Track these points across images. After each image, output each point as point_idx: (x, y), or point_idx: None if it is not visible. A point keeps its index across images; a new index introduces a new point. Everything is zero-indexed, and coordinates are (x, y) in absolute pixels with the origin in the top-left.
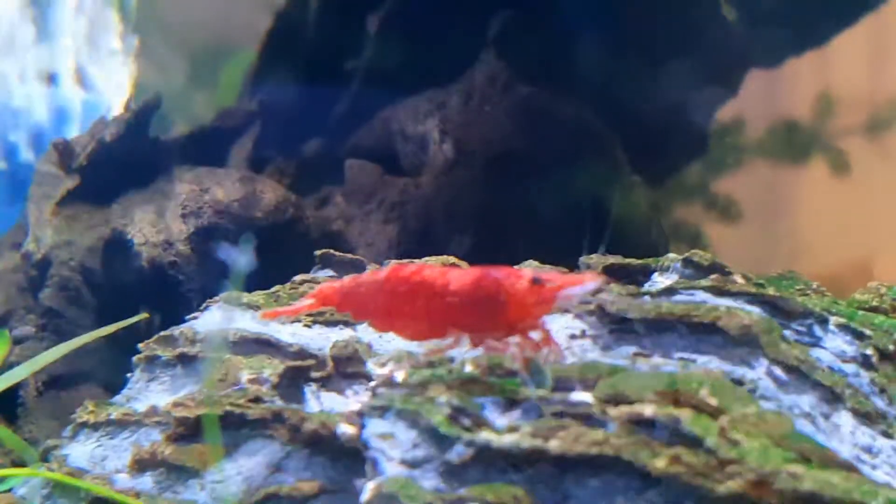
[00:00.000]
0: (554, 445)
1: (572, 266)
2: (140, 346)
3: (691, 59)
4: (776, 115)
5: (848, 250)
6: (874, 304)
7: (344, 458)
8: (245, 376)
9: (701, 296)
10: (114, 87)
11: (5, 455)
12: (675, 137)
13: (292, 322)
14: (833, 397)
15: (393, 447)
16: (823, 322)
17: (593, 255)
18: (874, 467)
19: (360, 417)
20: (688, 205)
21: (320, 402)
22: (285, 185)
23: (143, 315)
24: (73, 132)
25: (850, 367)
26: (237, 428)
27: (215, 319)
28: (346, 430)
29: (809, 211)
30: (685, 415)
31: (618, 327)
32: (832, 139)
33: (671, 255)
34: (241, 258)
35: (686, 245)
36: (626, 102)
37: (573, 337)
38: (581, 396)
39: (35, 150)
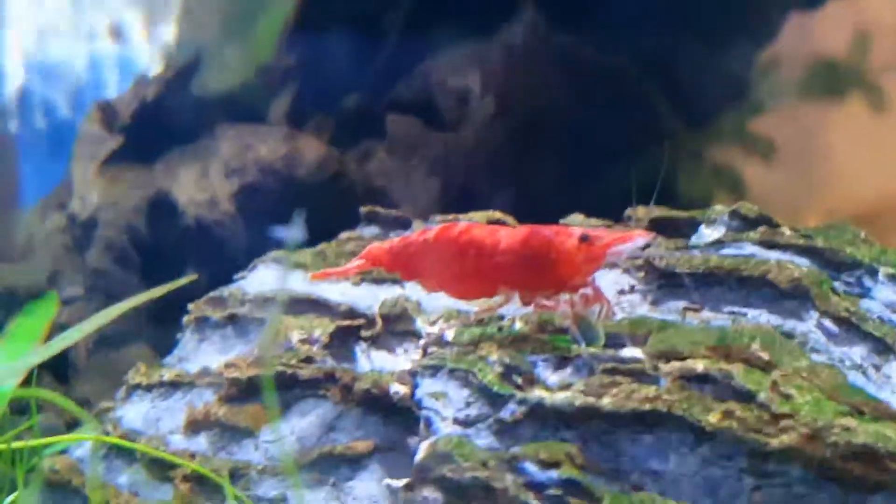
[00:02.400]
0: (606, 402)
1: (618, 217)
2: (190, 306)
3: (731, 4)
4: (813, 55)
5: (888, 187)
6: None
7: (397, 417)
8: (295, 336)
9: (749, 248)
10: (151, 42)
11: (59, 416)
12: (715, 82)
13: (341, 281)
14: (884, 348)
15: (446, 406)
16: (873, 273)
17: (639, 207)
18: None
19: (412, 377)
20: (726, 148)
21: (371, 361)
22: (325, 140)
23: (193, 276)
24: (111, 89)
25: None
26: (289, 388)
27: (263, 279)
28: (399, 389)
29: (848, 150)
30: (737, 369)
31: (666, 282)
32: (869, 77)
33: (718, 208)
34: (293, 233)
35: (726, 190)
36: (665, 49)
37: (622, 292)
38: (632, 353)
39: (73, 108)
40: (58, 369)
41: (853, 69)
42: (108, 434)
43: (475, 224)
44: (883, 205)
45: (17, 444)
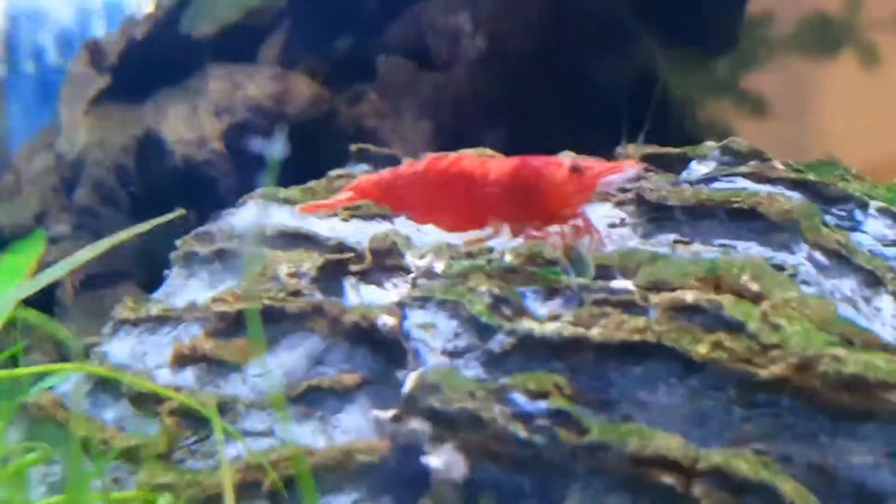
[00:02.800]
0: (595, 333)
1: (609, 156)
2: (177, 242)
3: None
4: (806, 8)
5: (879, 143)
6: None
7: (385, 349)
8: (284, 270)
9: (741, 182)
10: None
11: (45, 355)
12: (707, 30)
13: (330, 216)
14: (874, 281)
15: (434, 337)
16: (864, 206)
17: (630, 145)
18: None
19: (400, 308)
20: (718, 101)
21: (360, 295)
22: (318, 81)
23: (181, 212)
24: (99, 33)
25: (890, 251)
26: (277, 322)
27: (252, 215)
28: (387, 321)
29: (840, 104)
30: (727, 300)
31: (657, 215)
32: (863, 32)
33: (709, 144)
34: (275, 149)
35: (715, 139)
36: None
37: (613, 225)
38: (622, 284)
39: (62, 53)
40: (44, 308)
41: (846, 24)
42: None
43: (465, 155)
44: (875, 161)
45: (2, 374)
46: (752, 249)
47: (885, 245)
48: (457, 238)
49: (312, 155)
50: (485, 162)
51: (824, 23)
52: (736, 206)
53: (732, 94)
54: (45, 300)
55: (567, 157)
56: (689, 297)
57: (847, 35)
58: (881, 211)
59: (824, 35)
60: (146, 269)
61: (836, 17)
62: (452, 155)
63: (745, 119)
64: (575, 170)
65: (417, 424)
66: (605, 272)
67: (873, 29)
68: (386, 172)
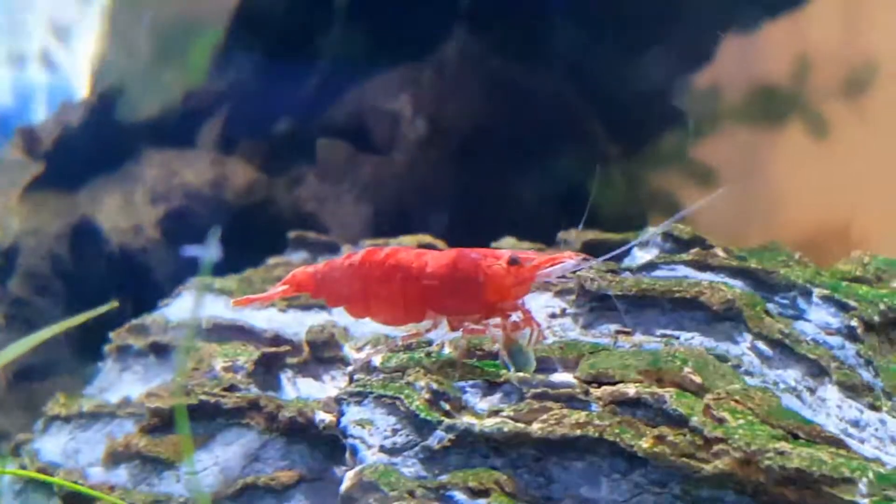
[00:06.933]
0: (536, 428)
1: (550, 241)
2: (111, 335)
3: (666, 29)
4: (753, 80)
5: (827, 213)
6: (858, 274)
7: (322, 445)
8: (219, 364)
9: (682, 270)
10: (80, 68)
11: None
12: (652, 108)
13: (267, 307)
14: (819, 371)
15: (372, 434)
16: (807, 294)
17: (572, 230)
18: (862, 441)
19: (337, 404)
20: (665, 173)
21: (297, 389)
22: (256, 165)
23: (113, 304)
24: (39, 115)
25: (835, 340)
26: (212, 417)
27: (187, 306)
28: (324, 417)
29: (788, 175)
30: (669, 393)
31: (598, 304)
32: (810, 102)
33: (651, 230)
34: (207, 253)
35: (664, 214)
36: (600, 74)
37: (553, 316)
38: (563, 377)
39: (0, 135)
40: None
41: (793, 94)
42: (24, 467)
43: (401, 248)
44: (824, 231)
45: None
46: (694, 340)
47: (828, 333)
48: (395, 329)
49: (251, 241)
50: (422, 254)
51: (770, 94)
52: (678, 295)
53: (680, 165)
54: None
55: (506, 250)
56: (631, 390)
57: (794, 105)
58: (824, 298)
59: (772, 105)
60: (82, 360)
61: (783, 87)
62: (389, 246)
63: (693, 191)
64: (513, 262)
65: None
66: (546, 365)
67: (820, 99)
68: (322, 265)
